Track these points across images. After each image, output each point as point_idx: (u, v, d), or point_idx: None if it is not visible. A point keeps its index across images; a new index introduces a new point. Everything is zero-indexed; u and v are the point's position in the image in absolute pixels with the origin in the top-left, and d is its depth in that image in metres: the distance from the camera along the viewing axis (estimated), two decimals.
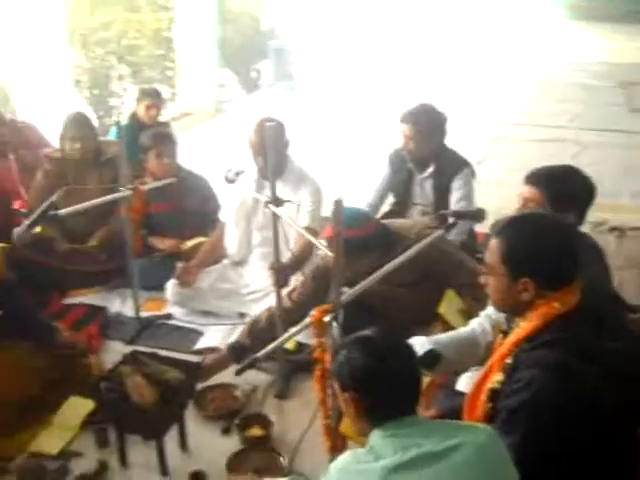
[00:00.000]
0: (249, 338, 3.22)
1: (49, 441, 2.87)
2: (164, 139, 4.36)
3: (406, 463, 1.66)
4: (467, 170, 4.08)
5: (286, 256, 3.31)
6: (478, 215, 3.08)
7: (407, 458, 1.67)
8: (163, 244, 4.30)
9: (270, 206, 2.91)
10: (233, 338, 3.53)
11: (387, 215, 4.24)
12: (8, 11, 7.06)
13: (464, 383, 2.66)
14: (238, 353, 3.14)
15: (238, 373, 2.39)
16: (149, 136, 4.34)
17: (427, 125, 3.98)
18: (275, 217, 2.97)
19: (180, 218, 4.38)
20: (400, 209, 4.25)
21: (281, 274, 3.16)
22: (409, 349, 1.88)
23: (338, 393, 1.88)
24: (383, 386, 1.77)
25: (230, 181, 3.34)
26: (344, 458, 1.77)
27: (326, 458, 2.46)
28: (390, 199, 4.39)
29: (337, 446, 2.44)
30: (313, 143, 7.66)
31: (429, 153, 4.04)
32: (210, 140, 8.10)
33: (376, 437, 1.75)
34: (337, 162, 6.98)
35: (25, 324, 3.17)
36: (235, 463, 2.74)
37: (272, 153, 2.90)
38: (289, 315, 3.11)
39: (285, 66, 12.85)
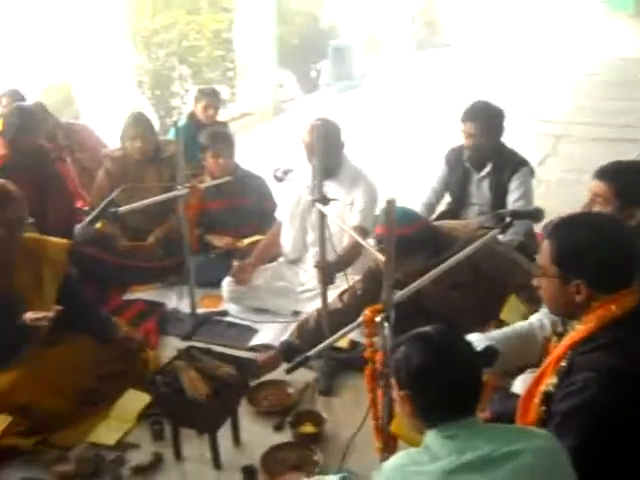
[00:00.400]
0: (298, 338, 3.24)
1: (107, 432, 2.95)
2: (221, 139, 4.43)
3: (464, 466, 1.63)
4: (525, 169, 4.01)
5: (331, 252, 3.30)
6: (536, 215, 3.03)
7: (465, 461, 1.63)
8: (220, 241, 4.36)
9: (317, 205, 2.92)
10: (287, 337, 3.57)
11: (443, 215, 4.21)
12: (72, 13, 7.26)
13: (519, 386, 2.61)
14: (288, 352, 3.16)
15: (288, 372, 2.41)
16: (207, 135, 4.41)
17: (490, 122, 3.94)
18: (322, 216, 2.98)
19: (237, 216, 4.43)
20: (456, 209, 4.21)
21: (326, 272, 3.16)
22: (469, 347, 1.84)
23: (394, 390, 1.86)
24: (440, 385, 1.73)
25: (279, 180, 3.37)
26: (398, 458, 1.75)
27: (377, 457, 2.46)
28: (446, 199, 4.35)
29: (388, 446, 2.44)
30: (372, 143, 7.67)
31: (488, 151, 3.99)
32: (269, 140, 8.17)
33: (432, 437, 1.72)
34: (395, 161, 6.96)
35: (86, 319, 3.25)
36: (269, 459, 2.75)
37: (324, 154, 2.91)
38: (339, 316, 3.10)
39: (345, 65, 12.84)
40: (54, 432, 2.89)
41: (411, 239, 2.92)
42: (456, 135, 4.14)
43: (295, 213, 3.96)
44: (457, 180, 4.16)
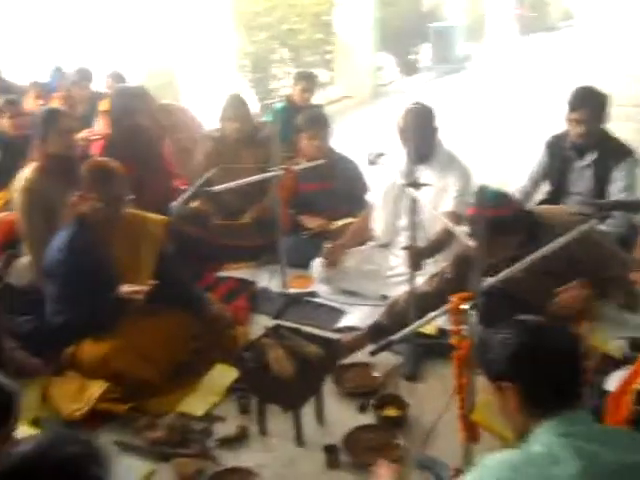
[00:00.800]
0: (387, 319, 3.24)
1: (195, 403, 3.04)
2: (317, 121, 4.46)
3: (597, 475, 1.51)
4: (631, 159, 3.83)
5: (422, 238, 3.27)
6: (639, 207, 2.90)
7: (597, 470, 1.51)
8: (312, 223, 4.40)
9: (409, 189, 2.89)
10: (374, 319, 3.57)
11: (541, 204, 4.08)
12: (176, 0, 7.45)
13: (613, 383, 2.52)
14: (376, 333, 3.17)
15: (373, 354, 2.41)
16: (303, 118, 4.46)
17: (598, 108, 3.80)
18: (413, 201, 2.95)
19: (329, 199, 4.46)
20: (555, 197, 4.07)
21: (415, 257, 3.14)
22: (572, 335, 1.76)
23: (487, 386, 1.77)
24: (545, 370, 1.64)
25: (372, 163, 3.36)
26: (507, 455, 1.62)
27: (459, 446, 2.44)
28: (545, 187, 4.21)
29: (472, 435, 2.41)
30: (471, 128, 7.53)
31: (595, 139, 3.84)
32: (367, 123, 8.15)
33: (547, 435, 1.59)
34: (493, 147, 6.80)
35: (180, 293, 3.37)
36: (352, 439, 2.76)
37: (417, 138, 2.88)
38: (428, 300, 3.08)
39: (446, 49, 12.63)
40: (146, 400, 3.01)
41: (504, 220, 2.86)
42: (558, 122, 4.00)
43: (388, 197, 3.95)
44: (558, 168, 4.03)
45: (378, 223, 4.05)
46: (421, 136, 2.97)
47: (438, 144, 3.83)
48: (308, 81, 5.43)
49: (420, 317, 2.82)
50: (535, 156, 4.18)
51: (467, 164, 3.88)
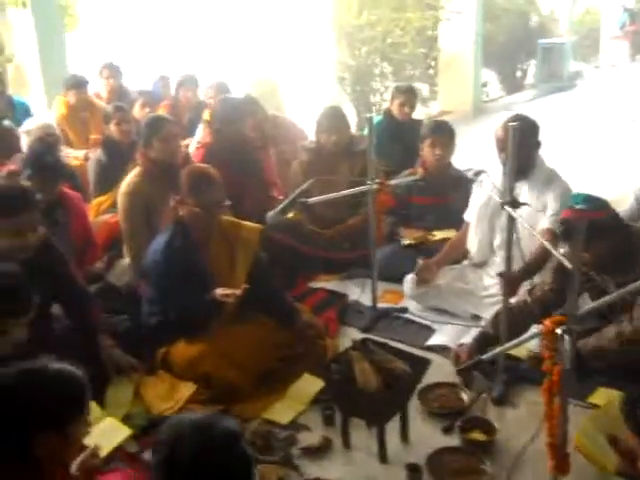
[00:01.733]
0: (493, 328, 3.19)
1: (281, 411, 3.06)
2: (442, 128, 4.44)
3: None
4: None
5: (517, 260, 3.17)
6: None
7: None
8: (411, 235, 4.37)
9: (506, 208, 2.82)
10: (464, 339, 3.51)
11: None
12: (282, 10, 7.61)
13: None
14: (482, 343, 3.15)
15: (459, 372, 2.36)
16: (428, 125, 4.48)
17: None
18: (511, 219, 2.88)
19: (438, 215, 4.45)
20: None
21: (511, 283, 3.06)
22: None
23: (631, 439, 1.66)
24: None
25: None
26: None
27: (547, 475, 2.35)
28: None
29: (561, 466, 2.32)
30: (574, 147, 7.31)
31: None
32: (468, 140, 8.03)
33: None
34: (597, 168, 6.57)
35: (271, 301, 3.42)
36: (435, 460, 2.70)
37: (517, 152, 2.81)
38: (529, 313, 3.06)
39: (553, 66, 12.33)
40: (233, 404, 3.06)
41: (598, 223, 2.77)
42: None
43: (483, 215, 3.87)
44: None
45: (473, 241, 3.97)
46: (521, 150, 2.89)
47: (539, 160, 3.72)
48: (407, 95, 5.37)
49: (515, 332, 2.76)
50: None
51: (567, 182, 3.75)
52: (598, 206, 2.88)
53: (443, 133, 4.40)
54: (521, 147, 2.88)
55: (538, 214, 3.59)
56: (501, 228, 3.80)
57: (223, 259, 3.35)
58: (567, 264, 2.24)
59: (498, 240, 3.85)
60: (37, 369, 1.88)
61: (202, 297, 3.16)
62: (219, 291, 3.15)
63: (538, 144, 3.69)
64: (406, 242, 4.36)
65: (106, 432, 2.74)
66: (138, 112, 5.49)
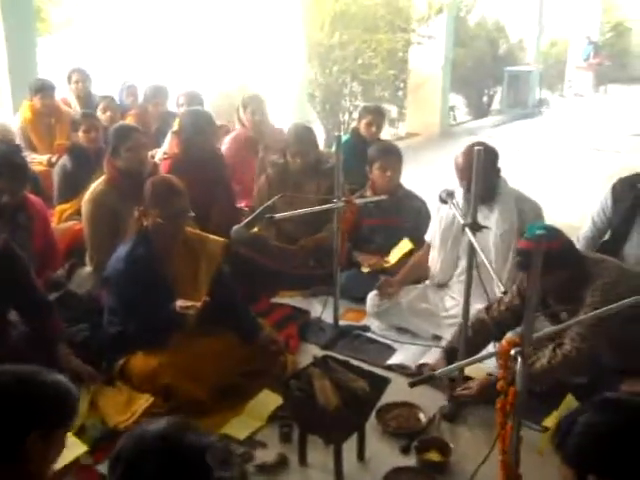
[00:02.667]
0: (457, 342, 3.23)
1: (238, 427, 3.05)
2: (390, 152, 4.49)
3: None
4: None
5: (490, 285, 3.21)
6: None
7: None
8: (367, 261, 4.39)
9: (467, 230, 2.88)
10: (424, 359, 3.53)
11: (602, 249, 3.96)
12: (254, 25, 7.65)
13: None
14: (449, 355, 3.20)
15: (412, 386, 2.36)
16: (376, 148, 4.50)
17: None
18: (470, 242, 2.93)
19: (389, 236, 4.46)
20: (616, 243, 3.91)
21: None
22: None
23: (565, 472, 1.52)
24: None
25: (443, 201, 3.34)
26: None
27: None
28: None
29: None
30: (539, 171, 7.46)
31: None
32: (434, 161, 8.15)
33: None
34: (559, 193, 6.72)
35: (232, 315, 3.40)
36: None
37: (476, 178, 2.87)
38: (485, 330, 3.14)
39: (519, 93, 12.58)
40: (190, 418, 3.02)
41: (551, 253, 2.82)
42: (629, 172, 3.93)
43: (447, 235, 3.91)
44: (623, 211, 3.88)
45: (435, 262, 4.01)
46: (481, 176, 2.95)
47: (502, 184, 3.78)
48: (374, 115, 5.40)
49: (476, 349, 2.80)
50: (599, 202, 4.06)
51: (537, 202, 3.84)
52: (553, 236, 2.93)
53: (392, 156, 4.46)
54: (482, 172, 2.93)
55: (510, 236, 3.64)
56: (463, 251, 3.84)
57: (186, 271, 3.34)
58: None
59: (462, 262, 3.88)
60: (36, 372, 1.85)
61: (162, 308, 3.14)
62: (180, 303, 3.13)
63: (498, 170, 3.75)
64: (365, 270, 4.37)
65: None
66: (100, 116, 5.44)
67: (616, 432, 1.43)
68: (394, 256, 4.33)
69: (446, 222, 3.90)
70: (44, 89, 5.56)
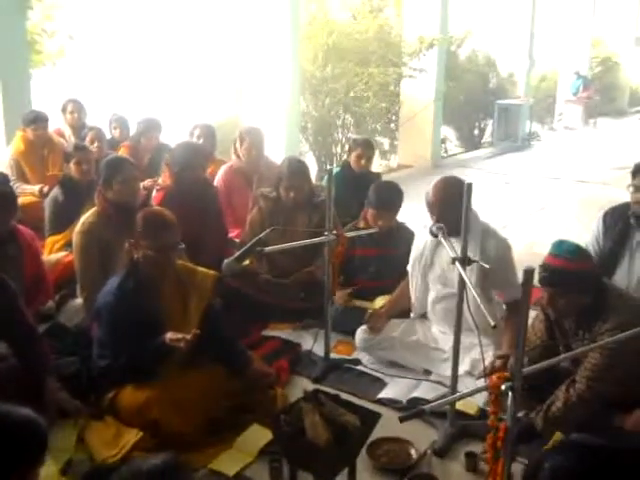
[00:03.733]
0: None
1: (228, 462, 3.01)
2: (388, 203, 4.53)
3: None
4: None
5: (466, 317, 3.20)
6: None
7: None
8: (340, 298, 4.41)
9: (457, 264, 2.89)
10: (415, 394, 3.52)
11: None
12: (248, 55, 7.72)
13: None
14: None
15: (402, 420, 2.35)
16: (375, 194, 4.50)
17: None
18: (460, 277, 2.95)
19: (380, 266, 4.50)
20: (604, 272, 3.91)
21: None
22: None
23: None
24: None
25: (434, 235, 3.34)
26: None
27: None
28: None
29: None
30: (530, 202, 7.50)
31: None
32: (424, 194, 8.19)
33: None
34: (543, 226, 6.76)
35: (222, 348, 3.38)
36: None
37: (443, 212, 2.89)
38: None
39: (510, 126, 12.70)
40: (179, 453, 2.98)
41: (577, 275, 2.84)
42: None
43: (417, 266, 3.88)
44: (613, 239, 3.89)
45: (413, 293, 4.00)
46: (452, 209, 2.97)
47: (473, 219, 3.76)
48: (364, 147, 5.42)
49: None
50: (591, 232, 4.06)
51: (505, 238, 3.80)
52: (582, 257, 2.93)
53: (389, 210, 4.51)
54: (452, 206, 2.96)
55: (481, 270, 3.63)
56: (433, 281, 3.85)
57: (176, 303, 3.33)
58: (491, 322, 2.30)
59: (432, 295, 3.89)
60: (5, 413, 1.83)
61: (152, 340, 3.13)
62: (169, 335, 3.12)
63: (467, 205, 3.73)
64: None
65: None
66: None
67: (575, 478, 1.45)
68: (378, 302, 4.34)
69: (416, 252, 3.90)
70: (38, 120, 5.58)
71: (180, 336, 3.11)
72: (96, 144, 5.52)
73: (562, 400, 2.91)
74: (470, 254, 3.48)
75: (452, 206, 2.99)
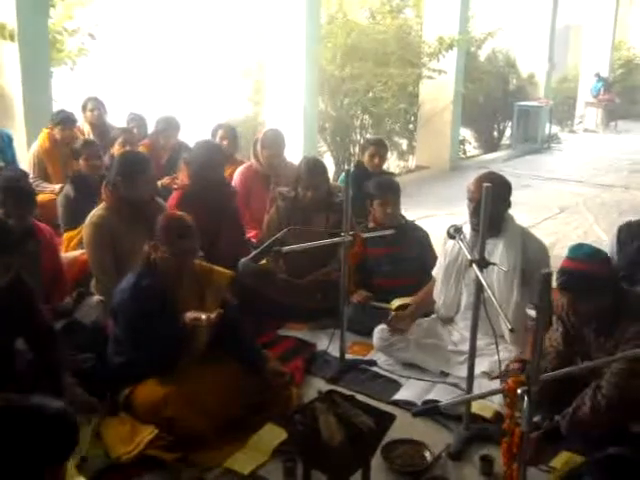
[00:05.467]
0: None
1: (243, 461, 3.01)
2: (389, 188, 4.54)
3: None
4: None
5: (496, 322, 3.18)
6: None
7: None
8: (357, 297, 4.39)
9: (474, 266, 2.86)
10: (430, 396, 3.50)
11: None
12: (268, 54, 7.74)
13: None
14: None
15: (415, 415, 2.33)
16: (375, 184, 4.52)
17: None
18: (477, 279, 2.92)
19: (396, 265, 4.50)
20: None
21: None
22: None
23: None
24: None
25: (451, 237, 3.33)
26: None
27: None
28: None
29: None
30: (546, 206, 7.45)
31: None
32: (443, 194, 8.18)
33: None
34: (568, 229, 6.70)
35: (237, 346, 3.39)
36: None
37: (487, 211, 2.86)
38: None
39: (529, 128, 12.62)
40: (194, 451, 3.01)
41: (596, 278, 2.80)
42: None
43: (452, 270, 3.88)
44: (628, 254, 3.88)
45: (439, 297, 3.99)
46: (492, 207, 2.94)
47: (509, 220, 3.77)
48: (376, 146, 5.43)
49: None
50: (607, 246, 4.04)
51: (541, 240, 3.82)
52: (600, 260, 2.90)
53: (391, 192, 4.53)
54: (492, 204, 2.93)
55: (513, 273, 3.62)
56: (468, 285, 3.83)
57: (192, 302, 3.33)
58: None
59: (465, 299, 3.87)
60: (41, 406, 1.82)
61: (171, 324, 3.12)
62: (189, 314, 3.11)
63: (509, 203, 3.75)
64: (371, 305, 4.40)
65: None
66: (117, 150, 5.48)
67: None
68: (395, 303, 4.32)
69: (450, 257, 3.88)
70: (67, 121, 5.62)
71: (201, 315, 3.09)
72: (127, 148, 5.51)
73: (589, 404, 2.87)
74: (511, 258, 3.50)
75: (493, 202, 2.95)
